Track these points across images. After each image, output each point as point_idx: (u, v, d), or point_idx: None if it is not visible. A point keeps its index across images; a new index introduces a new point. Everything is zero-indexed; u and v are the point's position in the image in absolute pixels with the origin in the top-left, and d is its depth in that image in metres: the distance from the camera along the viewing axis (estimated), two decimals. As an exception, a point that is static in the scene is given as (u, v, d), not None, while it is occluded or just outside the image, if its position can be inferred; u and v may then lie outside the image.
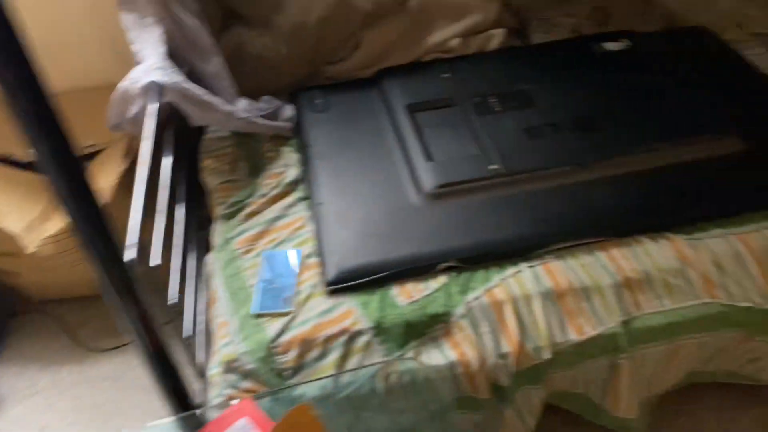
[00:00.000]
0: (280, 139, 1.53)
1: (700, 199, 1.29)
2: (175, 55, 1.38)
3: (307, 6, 1.55)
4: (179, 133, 1.44)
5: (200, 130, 1.56)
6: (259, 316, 1.15)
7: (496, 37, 1.69)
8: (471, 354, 1.11)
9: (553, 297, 1.15)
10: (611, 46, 1.66)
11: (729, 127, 1.40)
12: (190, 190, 1.47)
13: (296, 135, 1.53)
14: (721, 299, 1.16)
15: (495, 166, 1.34)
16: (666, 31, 1.79)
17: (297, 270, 1.20)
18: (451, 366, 1.11)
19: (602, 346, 1.14)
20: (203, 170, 1.48)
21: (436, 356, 1.12)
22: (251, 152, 1.50)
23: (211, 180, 1.45)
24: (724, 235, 1.21)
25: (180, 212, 1.31)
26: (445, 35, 1.67)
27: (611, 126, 1.43)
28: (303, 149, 1.47)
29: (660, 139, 1.37)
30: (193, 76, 1.40)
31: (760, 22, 1.82)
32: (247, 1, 1.60)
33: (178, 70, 1.29)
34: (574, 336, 1.13)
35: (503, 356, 1.12)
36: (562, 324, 1.14)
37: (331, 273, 1.18)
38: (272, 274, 1.21)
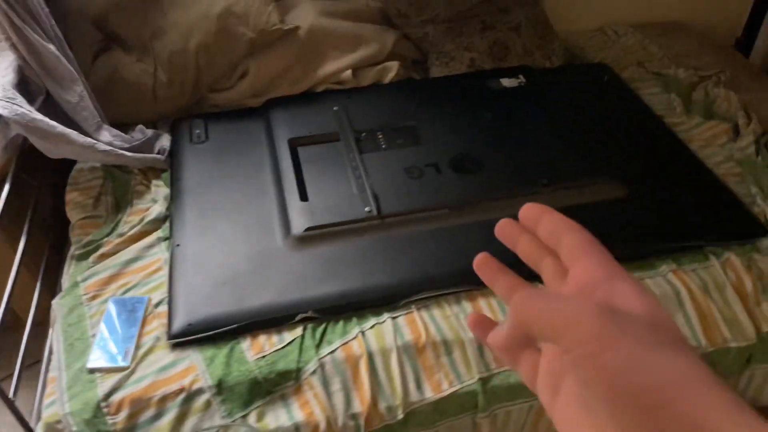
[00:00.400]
0: (154, 172, 1.45)
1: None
2: (31, 83, 1.29)
3: (186, 32, 1.48)
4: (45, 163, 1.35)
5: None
6: (94, 371, 1.06)
7: (392, 70, 1.65)
8: (320, 415, 1.04)
9: (412, 351, 1.09)
10: (507, 82, 1.63)
11: (612, 172, 1.37)
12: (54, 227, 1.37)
13: (171, 167, 1.45)
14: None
15: (369, 208, 1.28)
16: (566, 68, 1.77)
17: (140, 320, 1.12)
18: (297, 428, 1.03)
19: (460, 404, 1.09)
20: (67, 204, 1.38)
21: (282, 417, 1.04)
22: (120, 186, 1.41)
23: (73, 215, 1.36)
24: (594, 285, 1.18)
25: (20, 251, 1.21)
26: (338, 66, 1.61)
27: (495, 168, 1.39)
28: (174, 183, 1.39)
29: (541, 182, 1.33)
30: (52, 105, 1.31)
31: (660, 61, 1.82)
32: (126, 25, 1.51)
33: (25, 100, 1.20)
34: (430, 394, 1.07)
35: (354, 417, 1.05)
36: (419, 381, 1.08)
37: (177, 324, 1.10)
38: (115, 323, 1.12)
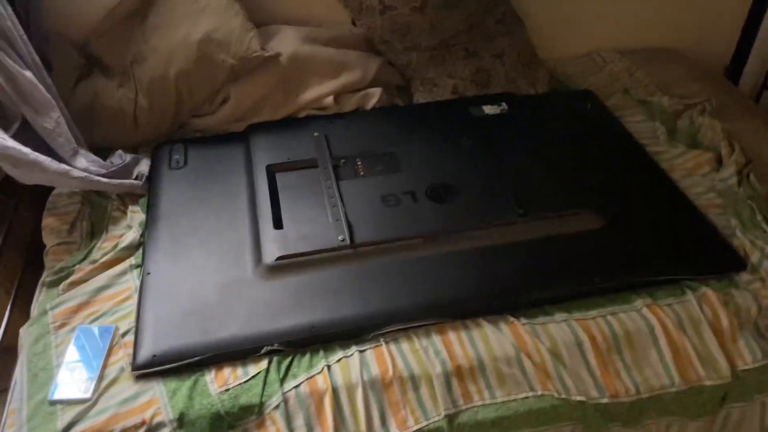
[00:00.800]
0: (132, 197, 1.45)
1: (549, 279, 1.23)
2: (6, 108, 1.30)
3: (166, 59, 1.48)
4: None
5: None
6: (56, 402, 1.05)
7: (374, 96, 1.64)
8: (281, 451, 1.03)
9: (378, 386, 1.08)
10: (489, 109, 1.62)
11: (590, 202, 1.36)
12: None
13: (149, 193, 1.44)
14: (553, 392, 1.09)
15: (343, 237, 1.27)
16: (549, 95, 1.77)
17: (106, 350, 1.11)
18: (257, 464, 1.02)
19: (426, 441, 1.07)
20: (44, 229, 1.38)
21: (244, 452, 1.03)
22: (96, 211, 1.41)
23: (48, 241, 1.36)
24: (567, 320, 1.16)
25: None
26: (321, 92, 1.61)
27: (471, 197, 1.37)
28: (149, 209, 1.38)
29: (518, 212, 1.32)
30: (28, 130, 1.32)
31: (646, 89, 1.81)
32: (107, 50, 1.52)
33: (-2, 128, 1.20)
34: (395, 431, 1.06)
35: (316, 453, 1.03)
36: (384, 417, 1.06)
37: (142, 355, 1.09)
38: (80, 353, 1.11)
